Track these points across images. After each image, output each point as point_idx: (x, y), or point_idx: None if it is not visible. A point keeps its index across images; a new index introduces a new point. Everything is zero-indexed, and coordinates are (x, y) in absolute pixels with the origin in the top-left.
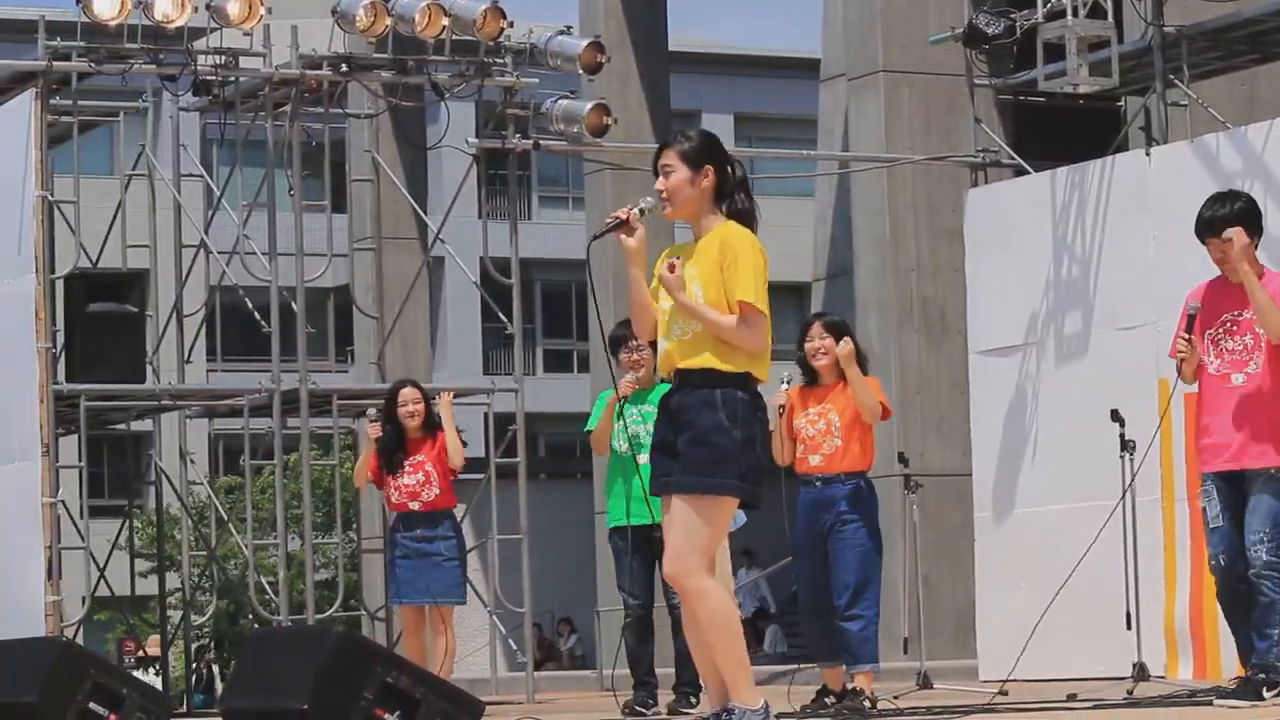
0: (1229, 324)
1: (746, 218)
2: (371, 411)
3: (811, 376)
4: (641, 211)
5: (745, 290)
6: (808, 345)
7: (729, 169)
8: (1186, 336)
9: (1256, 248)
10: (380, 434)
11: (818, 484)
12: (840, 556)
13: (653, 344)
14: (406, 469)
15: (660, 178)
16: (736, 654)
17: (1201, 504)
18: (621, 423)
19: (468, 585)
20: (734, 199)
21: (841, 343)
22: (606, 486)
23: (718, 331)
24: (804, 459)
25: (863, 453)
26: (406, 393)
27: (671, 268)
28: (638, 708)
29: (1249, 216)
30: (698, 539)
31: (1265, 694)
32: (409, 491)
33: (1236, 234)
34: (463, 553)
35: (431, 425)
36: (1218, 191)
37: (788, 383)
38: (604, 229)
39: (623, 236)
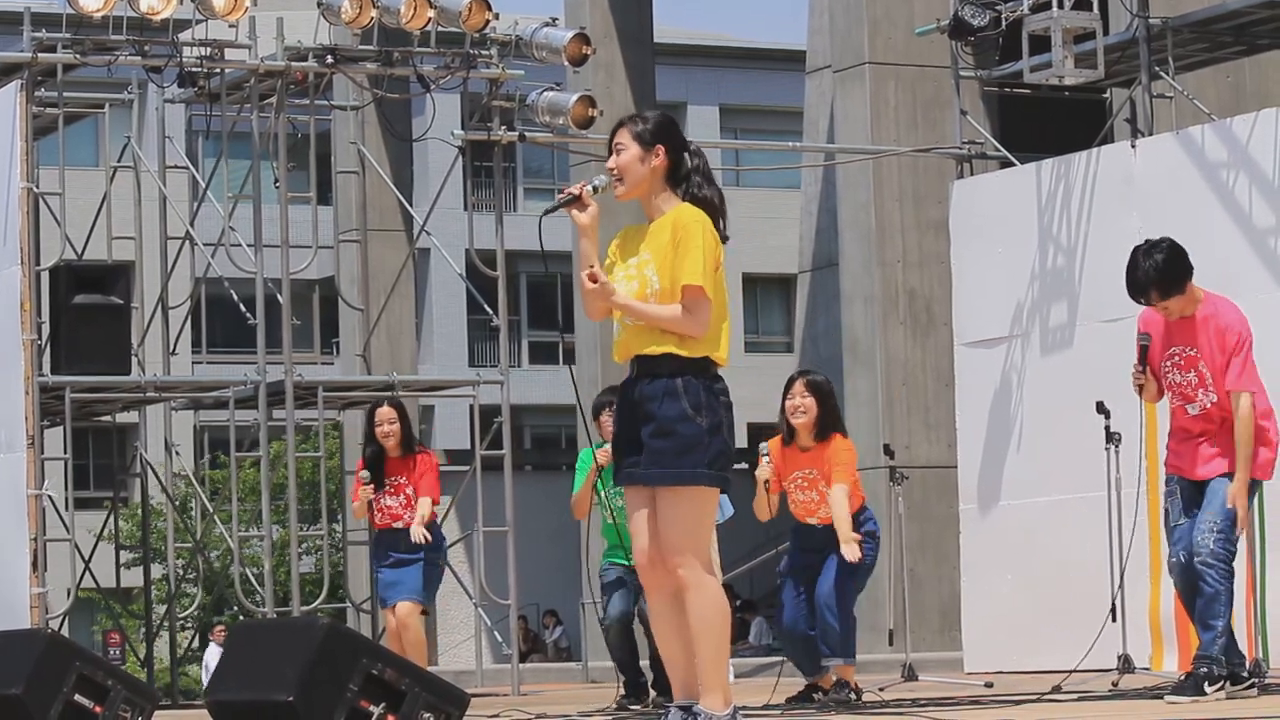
0: (1177, 358)
1: (707, 205)
2: (364, 473)
3: (791, 432)
4: (595, 189)
5: (693, 273)
6: (788, 403)
7: (685, 153)
8: (1140, 368)
9: (1187, 289)
10: (368, 482)
11: (817, 526)
12: (832, 562)
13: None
14: (388, 488)
15: (612, 155)
16: (718, 652)
17: (1164, 504)
18: (603, 494)
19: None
20: (691, 184)
21: (837, 493)
22: (602, 531)
23: (657, 325)
24: (800, 515)
25: (855, 499)
26: (382, 412)
27: (593, 278)
28: (631, 705)
29: (1170, 271)
30: (685, 529)
31: (1207, 689)
32: (391, 514)
33: (1174, 304)
34: (442, 557)
35: (409, 444)
36: (1139, 245)
37: (766, 454)
38: (557, 204)
39: (575, 212)
